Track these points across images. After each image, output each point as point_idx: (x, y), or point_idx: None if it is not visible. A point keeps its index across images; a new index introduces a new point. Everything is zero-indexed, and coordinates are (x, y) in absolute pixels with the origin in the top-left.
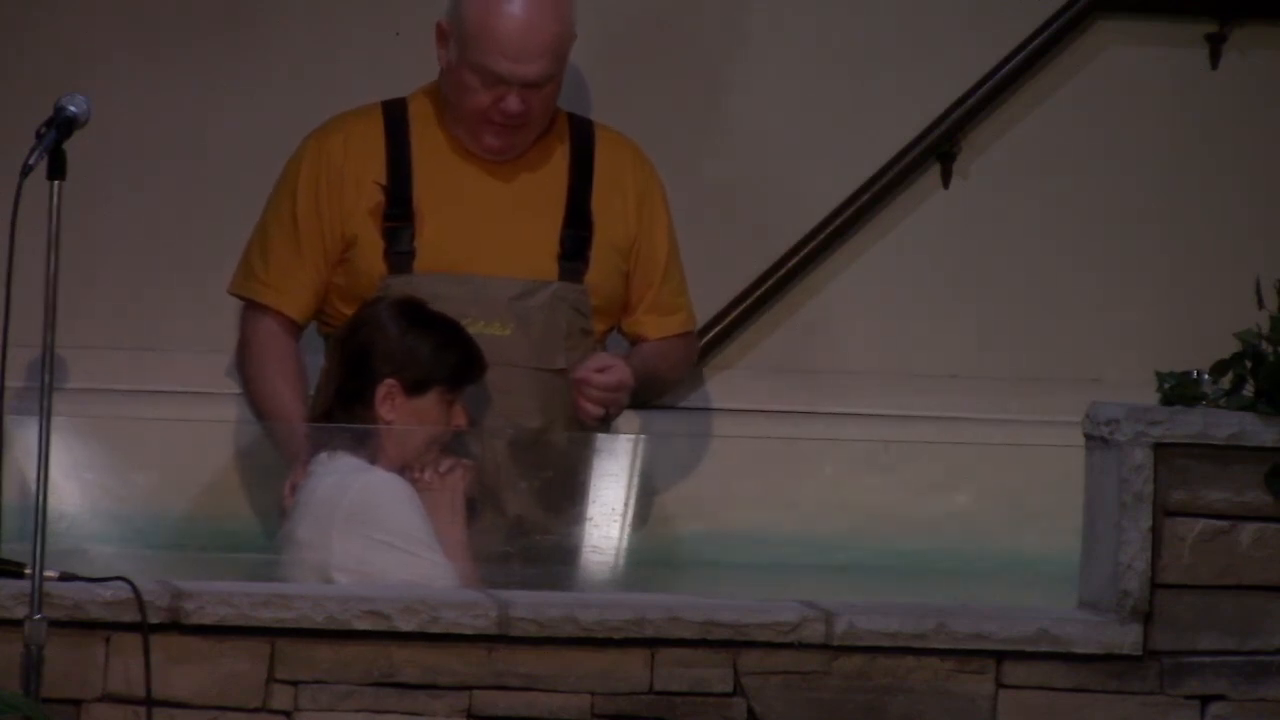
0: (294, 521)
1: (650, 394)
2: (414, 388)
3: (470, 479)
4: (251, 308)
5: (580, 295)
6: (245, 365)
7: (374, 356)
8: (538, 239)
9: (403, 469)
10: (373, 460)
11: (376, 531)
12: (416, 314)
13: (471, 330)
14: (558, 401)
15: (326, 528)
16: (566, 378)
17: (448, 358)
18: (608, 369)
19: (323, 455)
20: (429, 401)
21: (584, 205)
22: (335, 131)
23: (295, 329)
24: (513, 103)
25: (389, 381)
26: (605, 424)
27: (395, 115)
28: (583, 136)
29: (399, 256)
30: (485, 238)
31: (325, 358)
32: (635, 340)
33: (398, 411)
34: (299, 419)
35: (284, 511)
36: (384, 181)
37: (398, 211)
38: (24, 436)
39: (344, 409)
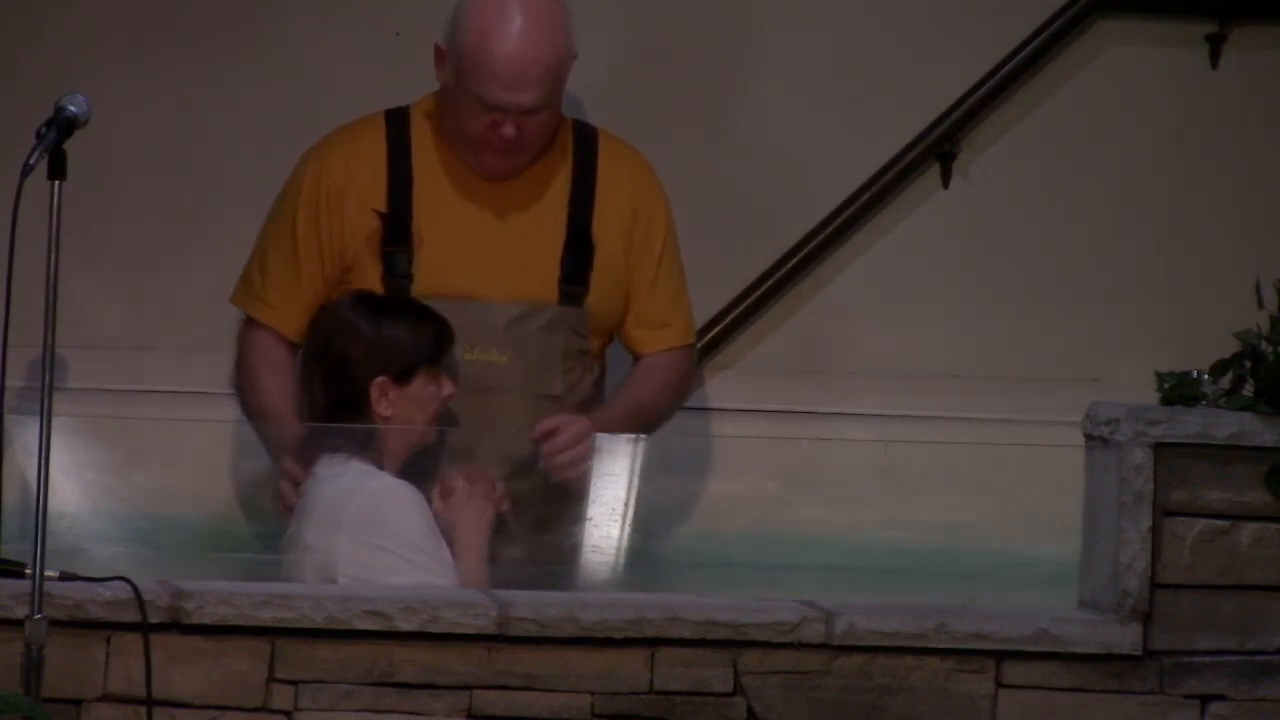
0: (300, 524)
1: (645, 423)
2: (402, 377)
3: (501, 494)
4: (249, 322)
5: (579, 317)
6: (240, 379)
7: (355, 362)
8: (538, 262)
9: (406, 465)
10: (379, 459)
11: (382, 538)
12: (378, 305)
13: (467, 356)
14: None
15: (334, 531)
16: (561, 403)
17: (424, 336)
18: (560, 429)
19: (325, 458)
20: (419, 384)
21: (585, 228)
22: (337, 149)
23: (291, 346)
24: (508, 129)
25: (379, 380)
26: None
27: (398, 131)
28: (586, 149)
29: (396, 280)
30: (484, 261)
31: (302, 382)
32: (630, 352)
33: (393, 405)
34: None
35: (285, 511)
36: (384, 206)
37: (396, 236)
38: (24, 436)
39: (340, 421)
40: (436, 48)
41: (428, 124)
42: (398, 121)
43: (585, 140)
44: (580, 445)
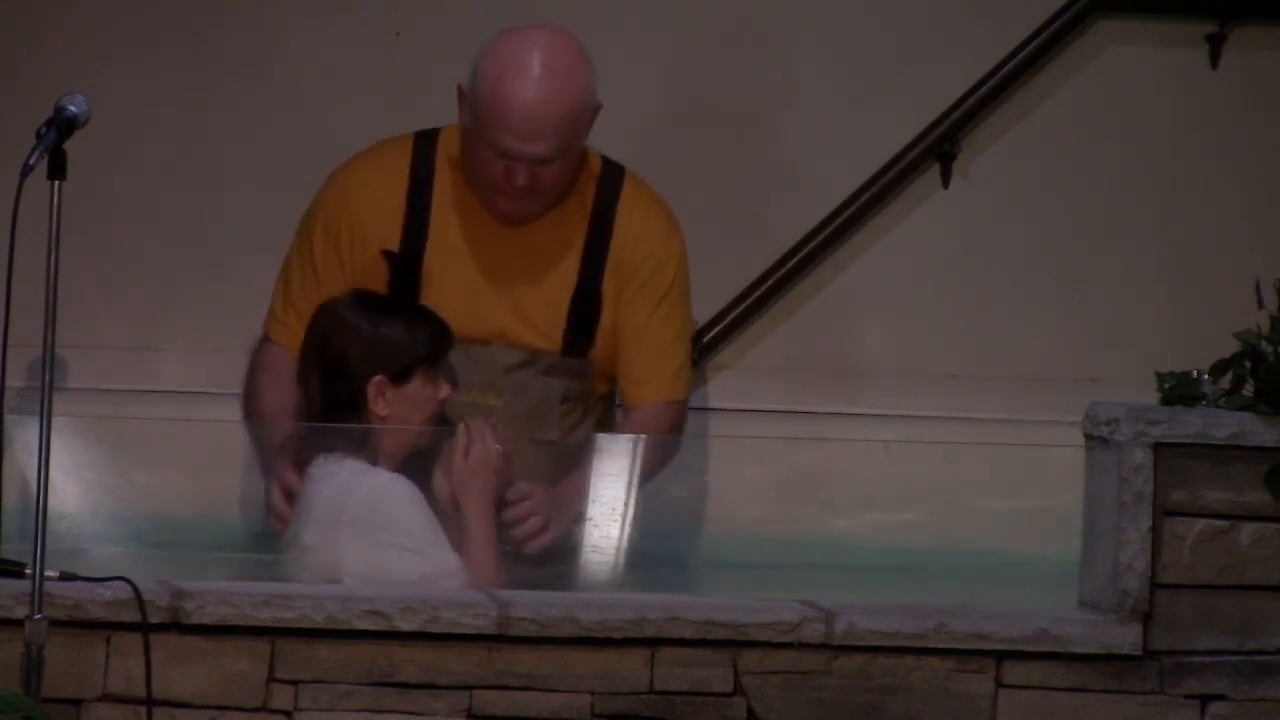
0: (299, 525)
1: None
2: (399, 376)
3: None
4: (264, 339)
5: (581, 366)
6: (247, 391)
7: (352, 361)
8: (545, 312)
9: (402, 465)
10: (374, 459)
11: (383, 534)
12: (376, 304)
13: (465, 399)
14: (546, 473)
15: (333, 531)
16: (556, 448)
17: (421, 336)
18: (517, 503)
19: (320, 457)
20: (416, 384)
21: (595, 281)
22: (361, 174)
23: None
24: (521, 178)
25: (376, 380)
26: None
27: (422, 163)
28: (608, 197)
29: None
30: (490, 306)
31: (298, 382)
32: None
33: (390, 404)
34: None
35: (277, 521)
36: (400, 239)
37: (406, 273)
38: (24, 436)
39: (336, 420)
40: (459, 88)
41: (451, 159)
42: (424, 151)
43: (609, 186)
44: (540, 517)
